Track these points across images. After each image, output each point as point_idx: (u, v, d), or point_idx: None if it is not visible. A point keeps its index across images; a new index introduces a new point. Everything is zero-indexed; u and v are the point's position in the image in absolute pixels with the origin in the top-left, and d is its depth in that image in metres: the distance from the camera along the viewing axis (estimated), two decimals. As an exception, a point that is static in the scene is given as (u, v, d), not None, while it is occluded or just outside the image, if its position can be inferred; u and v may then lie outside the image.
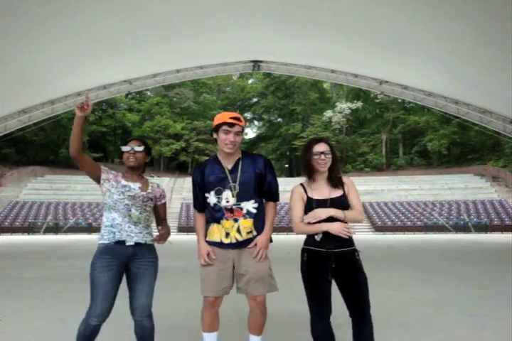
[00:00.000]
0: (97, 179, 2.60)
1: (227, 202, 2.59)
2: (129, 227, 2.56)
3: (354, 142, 49.86)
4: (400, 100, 43.44)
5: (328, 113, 49.45)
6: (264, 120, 61.84)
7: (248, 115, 63.02)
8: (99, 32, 13.36)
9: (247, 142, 62.01)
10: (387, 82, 19.36)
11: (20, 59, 13.73)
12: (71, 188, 36.50)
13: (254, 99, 59.85)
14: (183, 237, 22.69)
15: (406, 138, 51.14)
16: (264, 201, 2.73)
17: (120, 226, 2.55)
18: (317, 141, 2.57)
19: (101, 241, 2.55)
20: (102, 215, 2.66)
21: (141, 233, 2.59)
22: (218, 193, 2.62)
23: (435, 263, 9.46)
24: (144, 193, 2.64)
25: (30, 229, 28.78)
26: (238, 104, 60.83)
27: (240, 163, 2.68)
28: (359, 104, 48.94)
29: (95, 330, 2.48)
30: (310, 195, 2.53)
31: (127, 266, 2.55)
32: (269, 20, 13.94)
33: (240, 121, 2.60)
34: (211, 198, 2.64)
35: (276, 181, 2.75)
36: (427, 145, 45.44)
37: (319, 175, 2.56)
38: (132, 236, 2.55)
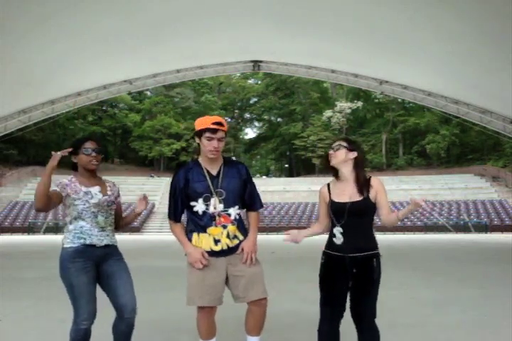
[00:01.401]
0: (60, 202, 2.52)
1: (215, 208, 2.54)
2: (98, 232, 2.53)
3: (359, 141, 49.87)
4: (399, 100, 43.46)
5: (328, 113, 49.47)
6: (264, 120, 61.85)
7: (248, 115, 63.02)
8: (99, 32, 13.36)
9: (247, 142, 62.02)
10: (387, 82, 19.37)
11: (20, 59, 13.73)
12: (71, 188, 36.48)
13: (254, 99, 59.83)
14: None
15: (406, 138, 51.16)
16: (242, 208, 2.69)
17: (90, 231, 2.51)
18: (337, 138, 2.58)
19: (69, 245, 2.47)
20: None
21: (108, 236, 2.57)
22: (206, 200, 2.55)
23: (435, 263, 9.45)
24: (106, 197, 2.57)
25: (30, 229, 28.78)
26: (238, 104, 60.81)
27: (224, 168, 2.63)
28: (359, 103, 48.96)
29: (87, 333, 2.45)
30: (332, 197, 2.49)
31: (99, 266, 2.52)
32: (269, 20, 13.94)
33: (223, 126, 2.54)
34: (199, 206, 2.56)
35: (256, 188, 2.73)
36: (426, 148, 45.56)
37: (341, 173, 2.51)
38: (102, 239, 2.53)
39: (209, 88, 55.87)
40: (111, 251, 2.58)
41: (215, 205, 2.54)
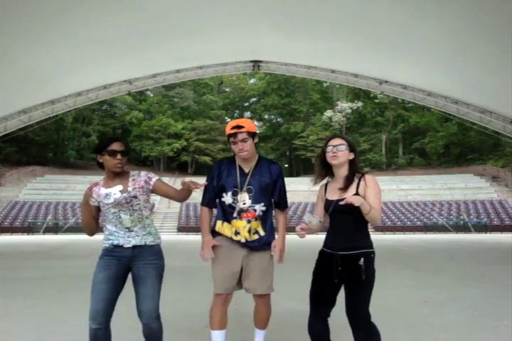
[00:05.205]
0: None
1: (244, 204, 2.67)
2: (125, 233, 2.48)
3: (355, 141, 49.82)
4: (399, 100, 43.49)
5: (329, 113, 49.49)
6: (264, 119, 61.86)
7: (248, 115, 62.98)
8: (99, 32, 13.36)
9: (247, 142, 61.94)
10: (387, 81, 19.38)
11: (20, 59, 13.73)
12: (71, 188, 36.45)
13: (255, 99, 59.78)
14: (183, 237, 22.70)
15: (406, 137, 51.15)
16: (271, 205, 2.80)
17: (117, 234, 2.49)
18: (333, 136, 2.55)
19: (103, 245, 2.54)
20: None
21: (138, 236, 2.50)
22: (235, 194, 2.70)
23: (435, 263, 9.45)
24: (125, 195, 2.46)
25: (29, 229, 28.76)
26: (238, 104, 60.78)
27: (257, 167, 2.79)
28: (359, 103, 48.97)
29: (97, 335, 2.38)
30: (327, 195, 2.53)
31: (130, 268, 2.50)
32: (269, 20, 13.94)
33: (242, 127, 2.68)
34: (227, 198, 2.71)
35: (285, 188, 2.84)
36: (425, 147, 45.74)
37: (337, 173, 2.51)
38: (130, 240, 2.48)
39: (209, 88, 55.81)
40: (142, 252, 2.50)
41: (245, 200, 2.68)
